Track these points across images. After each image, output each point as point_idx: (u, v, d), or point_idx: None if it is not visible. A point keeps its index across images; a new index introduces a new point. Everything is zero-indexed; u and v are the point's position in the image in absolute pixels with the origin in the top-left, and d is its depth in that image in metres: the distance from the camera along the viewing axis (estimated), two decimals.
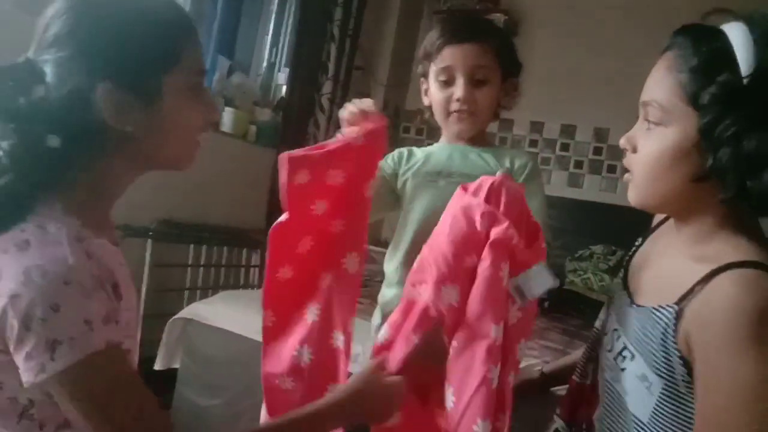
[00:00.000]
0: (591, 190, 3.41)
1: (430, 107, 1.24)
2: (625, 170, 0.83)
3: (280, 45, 3.45)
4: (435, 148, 1.25)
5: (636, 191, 0.80)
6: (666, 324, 0.71)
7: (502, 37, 1.22)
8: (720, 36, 0.69)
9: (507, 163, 1.17)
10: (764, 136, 0.65)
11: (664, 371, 0.71)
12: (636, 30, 3.20)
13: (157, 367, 1.77)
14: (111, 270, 0.72)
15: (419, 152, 1.25)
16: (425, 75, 1.23)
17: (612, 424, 0.81)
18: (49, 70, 0.71)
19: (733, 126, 0.66)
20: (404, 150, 1.26)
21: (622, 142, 0.81)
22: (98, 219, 0.78)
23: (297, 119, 3.23)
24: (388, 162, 1.24)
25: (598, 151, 3.42)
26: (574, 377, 0.94)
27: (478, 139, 1.22)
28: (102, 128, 0.73)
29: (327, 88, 3.31)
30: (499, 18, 3.34)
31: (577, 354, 1.51)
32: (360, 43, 3.48)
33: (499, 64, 1.18)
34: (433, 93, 1.20)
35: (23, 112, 0.70)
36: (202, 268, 2.70)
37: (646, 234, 0.93)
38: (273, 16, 3.41)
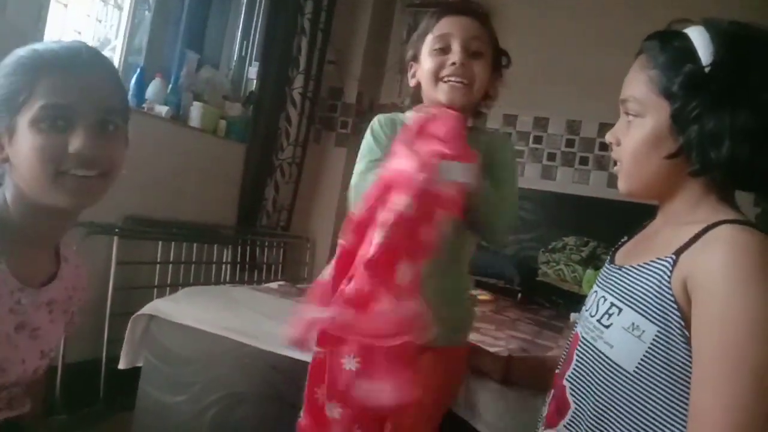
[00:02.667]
0: (564, 182, 3.43)
1: (416, 89, 1.21)
2: (614, 163, 0.91)
3: (251, 39, 3.41)
4: None
5: (624, 179, 0.87)
6: (662, 272, 0.77)
7: (492, 26, 1.22)
8: (682, 37, 0.81)
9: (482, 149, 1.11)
10: (722, 116, 0.75)
11: (659, 317, 0.76)
12: (607, 24, 3.23)
13: (121, 366, 1.74)
14: None
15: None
16: (416, 57, 1.20)
17: (584, 380, 0.84)
18: None
19: (697, 108, 0.76)
20: (396, 120, 1.21)
21: (608, 137, 0.90)
22: (20, 251, 0.87)
23: (268, 114, 3.19)
24: (380, 133, 1.19)
25: (570, 143, 3.45)
26: (557, 372, 0.94)
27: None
28: None
29: (299, 82, 3.28)
30: None
31: (552, 354, 1.53)
32: (332, 37, 3.45)
33: (492, 47, 1.18)
34: (424, 64, 1.16)
35: None
36: (171, 266, 2.65)
37: (632, 233, 0.99)
38: (243, 9, 3.37)
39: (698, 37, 0.79)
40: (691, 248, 0.76)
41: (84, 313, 2.23)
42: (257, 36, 3.39)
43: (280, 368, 1.49)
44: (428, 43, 1.16)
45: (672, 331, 0.75)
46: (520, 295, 2.94)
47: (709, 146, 0.76)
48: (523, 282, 2.99)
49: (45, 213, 0.88)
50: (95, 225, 2.21)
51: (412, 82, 1.23)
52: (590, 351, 0.85)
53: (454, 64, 1.12)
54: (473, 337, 1.38)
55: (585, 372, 0.85)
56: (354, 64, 3.64)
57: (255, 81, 3.29)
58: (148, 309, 1.70)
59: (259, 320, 1.61)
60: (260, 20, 3.40)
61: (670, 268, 0.77)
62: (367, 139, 1.20)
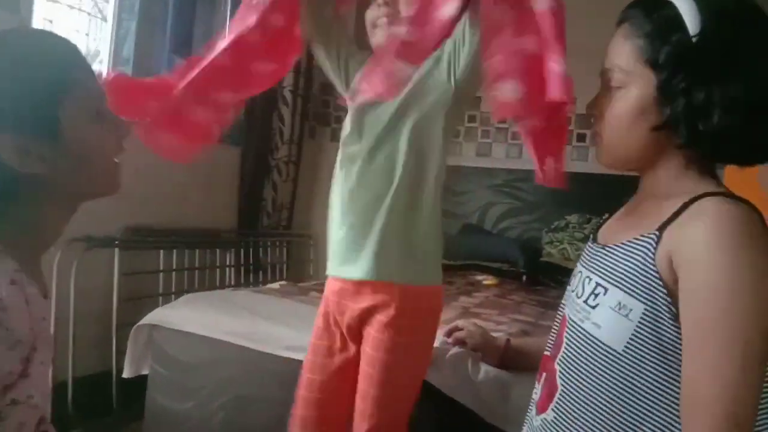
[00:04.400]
0: None
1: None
2: (594, 137, 0.90)
3: None
4: None
5: (605, 151, 0.86)
6: (646, 249, 0.77)
7: None
8: (668, 5, 0.78)
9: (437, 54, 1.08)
10: (711, 88, 0.74)
11: (645, 295, 0.75)
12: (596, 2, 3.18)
13: (124, 375, 1.75)
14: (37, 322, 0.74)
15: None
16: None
17: (573, 362, 0.84)
18: None
19: (685, 80, 0.75)
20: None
21: (587, 110, 0.88)
22: (32, 265, 0.79)
23: (260, 114, 3.19)
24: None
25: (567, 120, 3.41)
26: (546, 352, 0.94)
27: None
28: (15, 176, 0.74)
29: (289, 80, 3.27)
30: None
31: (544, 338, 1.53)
32: None
33: None
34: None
35: None
36: (174, 273, 2.66)
37: (613, 211, 0.99)
38: (228, 11, 3.35)
39: (685, 6, 0.77)
40: (674, 223, 0.75)
41: (91, 326, 2.25)
42: None
43: (281, 370, 1.49)
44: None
45: (659, 309, 0.74)
46: (525, 277, 2.93)
47: (698, 118, 0.75)
48: (528, 263, 2.98)
49: (69, 214, 0.84)
50: (94, 239, 2.22)
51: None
52: (578, 332, 0.84)
53: (379, 4, 1.06)
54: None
55: (574, 354, 0.84)
56: None
57: None
58: (148, 319, 1.71)
59: (259, 323, 1.61)
60: None
61: (654, 245, 0.76)
62: None
